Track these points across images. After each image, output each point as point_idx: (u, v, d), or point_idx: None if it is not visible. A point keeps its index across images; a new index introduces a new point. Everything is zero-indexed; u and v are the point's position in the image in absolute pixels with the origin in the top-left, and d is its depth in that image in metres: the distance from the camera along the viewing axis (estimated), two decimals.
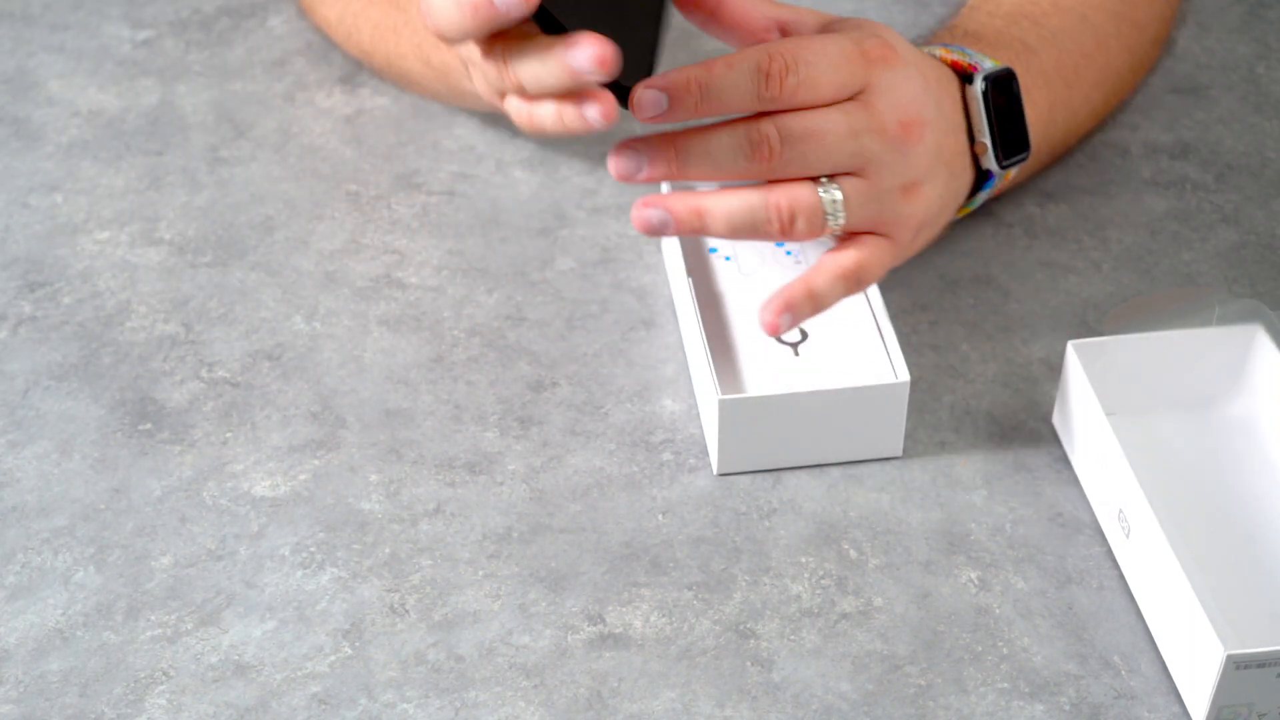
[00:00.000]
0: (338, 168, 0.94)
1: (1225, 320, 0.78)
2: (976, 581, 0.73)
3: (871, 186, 0.69)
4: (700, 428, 0.79)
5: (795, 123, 0.66)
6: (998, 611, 0.71)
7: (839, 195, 0.68)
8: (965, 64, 0.74)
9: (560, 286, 0.87)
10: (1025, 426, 0.79)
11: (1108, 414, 0.74)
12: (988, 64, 0.75)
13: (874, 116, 0.68)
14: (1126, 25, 0.89)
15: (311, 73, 1.01)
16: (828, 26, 0.71)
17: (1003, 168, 0.76)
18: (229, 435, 0.79)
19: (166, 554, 0.74)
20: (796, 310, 0.69)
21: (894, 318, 0.84)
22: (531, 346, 0.84)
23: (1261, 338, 0.77)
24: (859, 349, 0.79)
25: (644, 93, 0.65)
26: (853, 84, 0.68)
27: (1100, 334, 0.83)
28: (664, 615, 0.71)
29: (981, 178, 0.77)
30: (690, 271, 0.82)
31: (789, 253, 0.84)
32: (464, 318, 0.85)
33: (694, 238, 0.83)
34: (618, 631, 0.71)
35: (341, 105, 0.98)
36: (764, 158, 0.66)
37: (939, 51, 0.75)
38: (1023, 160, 0.77)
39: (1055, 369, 0.82)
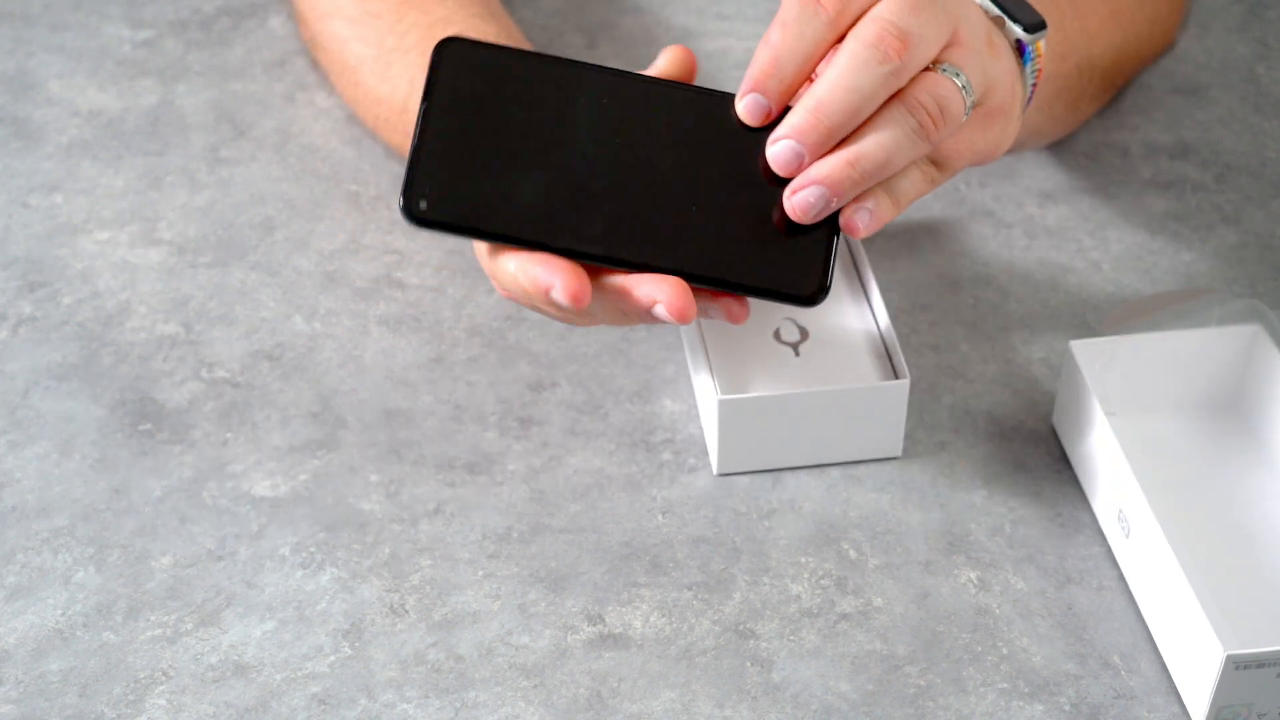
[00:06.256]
0: (338, 168, 0.94)
1: (1225, 320, 0.78)
2: (976, 581, 0.73)
3: (965, 49, 0.68)
4: (700, 428, 0.79)
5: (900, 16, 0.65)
6: (997, 611, 0.71)
7: (961, 71, 0.67)
8: None
9: None
10: (1025, 426, 0.79)
11: (1108, 414, 0.74)
12: None
13: None
14: None
15: (311, 73, 1.01)
16: None
17: (1030, 33, 0.74)
18: (229, 435, 0.79)
19: (166, 554, 0.74)
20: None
21: (894, 318, 0.84)
22: (531, 346, 0.84)
23: (1261, 338, 0.76)
24: (859, 349, 0.79)
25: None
26: None
27: (1100, 334, 0.83)
28: (664, 615, 0.71)
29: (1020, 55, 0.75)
30: None
31: None
32: (464, 318, 0.85)
33: None
34: (618, 631, 0.71)
35: (341, 105, 0.98)
36: (895, 54, 0.64)
37: None
38: (1044, 32, 0.74)
39: (1055, 369, 0.82)
